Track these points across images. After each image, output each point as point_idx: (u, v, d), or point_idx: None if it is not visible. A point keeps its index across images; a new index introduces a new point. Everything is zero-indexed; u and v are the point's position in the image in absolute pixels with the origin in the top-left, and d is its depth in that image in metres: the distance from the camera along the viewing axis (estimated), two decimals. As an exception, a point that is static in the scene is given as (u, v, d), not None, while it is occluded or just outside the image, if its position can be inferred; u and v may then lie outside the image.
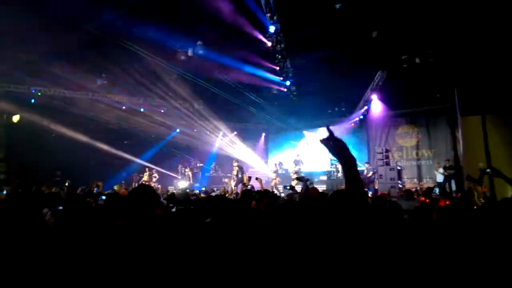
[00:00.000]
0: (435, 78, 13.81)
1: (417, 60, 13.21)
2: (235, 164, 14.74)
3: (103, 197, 6.51)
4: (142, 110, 18.27)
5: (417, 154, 16.50)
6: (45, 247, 1.94)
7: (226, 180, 15.98)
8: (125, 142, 18.71)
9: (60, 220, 3.31)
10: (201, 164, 19.77)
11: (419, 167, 16.28)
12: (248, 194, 5.60)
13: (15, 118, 15.43)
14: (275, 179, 14.84)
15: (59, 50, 12.57)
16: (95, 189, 10.22)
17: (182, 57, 14.63)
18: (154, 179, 16.69)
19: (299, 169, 15.94)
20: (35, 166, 13.68)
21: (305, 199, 4.48)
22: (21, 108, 15.30)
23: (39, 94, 15.66)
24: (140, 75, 15.04)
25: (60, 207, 4.26)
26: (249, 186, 9.06)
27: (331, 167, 15.09)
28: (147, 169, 17.21)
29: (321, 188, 13.40)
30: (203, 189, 12.92)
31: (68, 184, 12.43)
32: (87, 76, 15.38)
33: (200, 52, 14.25)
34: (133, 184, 16.29)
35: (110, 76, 15.61)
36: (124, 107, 17.66)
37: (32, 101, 15.85)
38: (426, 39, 12.30)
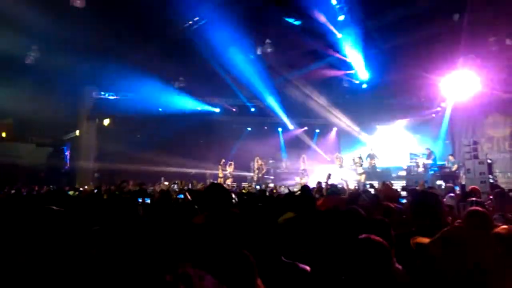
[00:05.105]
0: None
1: (508, 42, 12.24)
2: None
3: (181, 195, 6.91)
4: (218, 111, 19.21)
5: (510, 145, 14.80)
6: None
7: (296, 178, 15.84)
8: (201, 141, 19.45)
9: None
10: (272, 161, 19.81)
11: (513, 160, 14.58)
12: (307, 191, 5.49)
13: (106, 122, 17.03)
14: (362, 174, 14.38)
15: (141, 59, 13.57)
16: (173, 185, 10.90)
17: (251, 56, 14.87)
18: (229, 175, 16.17)
19: (374, 164, 15.26)
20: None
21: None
22: (111, 112, 16.84)
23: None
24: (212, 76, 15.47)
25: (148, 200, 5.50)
26: (323, 184, 8.73)
27: (410, 162, 14.13)
28: (219, 166, 16.73)
29: (401, 184, 12.57)
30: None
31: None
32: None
33: (269, 50, 14.34)
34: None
35: (187, 78, 16.43)
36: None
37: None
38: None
